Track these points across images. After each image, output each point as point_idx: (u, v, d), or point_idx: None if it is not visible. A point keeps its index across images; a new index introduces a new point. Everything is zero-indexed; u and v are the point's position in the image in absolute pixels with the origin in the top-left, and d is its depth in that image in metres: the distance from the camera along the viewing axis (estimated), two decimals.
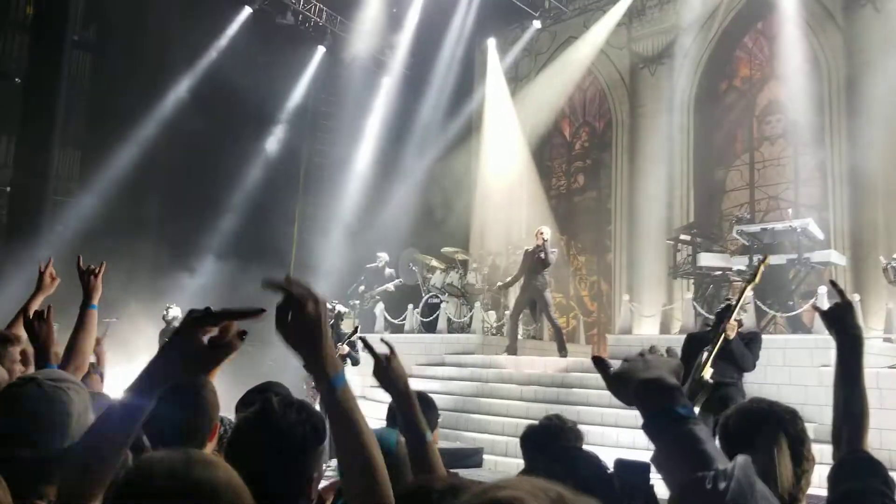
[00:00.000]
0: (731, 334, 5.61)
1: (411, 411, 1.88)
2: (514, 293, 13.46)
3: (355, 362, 8.88)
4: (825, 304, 8.50)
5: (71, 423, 1.65)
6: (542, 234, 10.90)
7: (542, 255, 10.66)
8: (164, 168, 14.05)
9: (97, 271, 2.92)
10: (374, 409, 6.32)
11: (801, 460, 1.95)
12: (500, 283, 12.05)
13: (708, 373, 5.51)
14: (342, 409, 1.27)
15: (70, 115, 14.05)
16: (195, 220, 14.03)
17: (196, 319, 1.24)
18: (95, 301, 2.90)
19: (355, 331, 9.15)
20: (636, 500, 2.44)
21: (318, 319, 1.22)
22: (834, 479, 1.68)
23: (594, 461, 2.18)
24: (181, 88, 14.65)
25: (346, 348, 8.83)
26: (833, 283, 2.10)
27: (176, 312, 10.72)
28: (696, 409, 5.64)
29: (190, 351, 1.24)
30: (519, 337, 11.60)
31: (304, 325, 1.21)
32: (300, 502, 1.71)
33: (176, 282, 13.19)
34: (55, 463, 1.61)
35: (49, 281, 3.20)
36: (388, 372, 1.90)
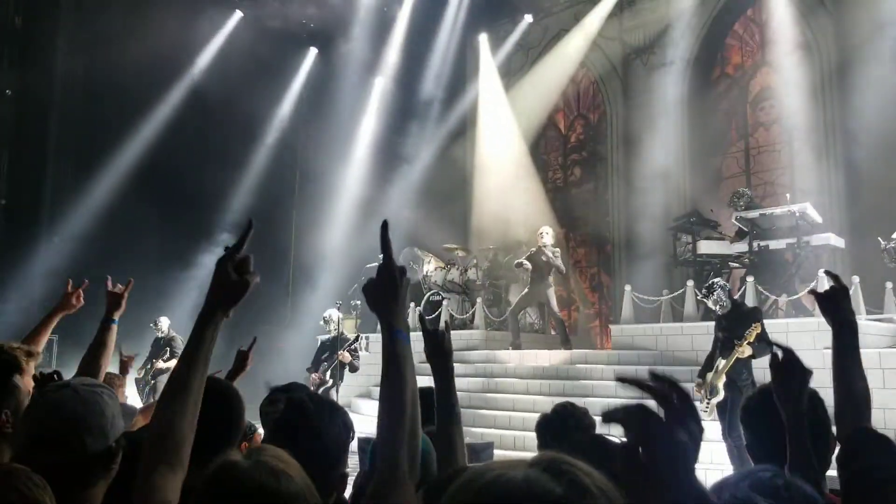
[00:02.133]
0: (745, 352, 6.36)
1: (451, 385, 2.04)
2: (513, 290, 13.51)
3: (354, 369, 8.89)
4: (824, 287, 8.58)
5: (107, 425, 1.68)
6: (541, 235, 10.93)
7: (545, 259, 10.71)
8: (160, 174, 14.04)
9: (123, 290, 3.03)
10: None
11: (823, 440, 1.95)
12: (517, 261, 11.87)
13: (722, 381, 6.50)
14: (396, 359, 1.47)
15: (63, 124, 14.03)
16: (192, 225, 14.05)
17: (225, 257, 1.54)
18: (116, 317, 3.01)
19: (356, 339, 9.14)
20: None
21: (403, 291, 1.50)
22: (844, 457, 1.67)
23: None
24: (174, 94, 14.67)
25: (347, 356, 8.80)
26: (828, 273, 2.17)
27: (164, 324, 10.72)
28: (714, 402, 6.60)
29: (228, 283, 1.53)
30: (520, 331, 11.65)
31: (390, 291, 1.49)
32: (335, 497, 1.74)
33: (175, 286, 13.23)
34: (95, 466, 1.66)
35: (74, 302, 3.26)
36: (442, 346, 2.05)
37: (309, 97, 17.17)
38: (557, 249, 11.11)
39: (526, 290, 11.42)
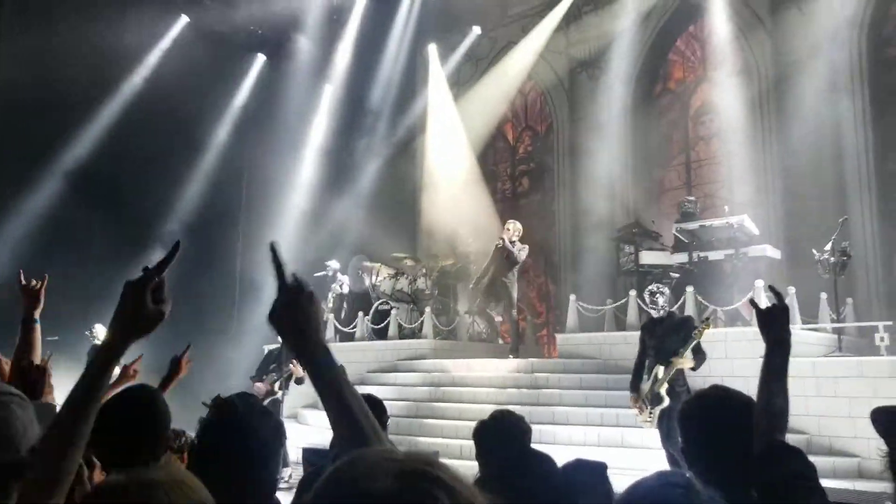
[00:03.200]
0: (685, 364, 6.46)
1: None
2: (462, 300, 13.56)
3: (301, 382, 8.75)
4: (762, 299, 8.84)
5: (17, 436, 1.60)
6: (508, 228, 10.91)
7: (504, 250, 10.68)
8: (103, 179, 13.72)
9: (39, 285, 2.89)
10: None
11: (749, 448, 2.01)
12: (472, 286, 11.98)
13: (664, 388, 6.47)
14: (330, 389, 1.31)
15: (2, 128, 13.61)
16: (135, 232, 13.74)
17: (144, 280, 1.40)
18: (37, 315, 2.88)
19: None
20: (594, 498, 2.53)
21: (310, 312, 1.32)
22: (759, 468, 1.71)
23: (548, 460, 2.26)
24: (118, 98, 14.36)
25: (300, 369, 8.55)
26: (772, 288, 2.14)
27: (100, 331, 10.48)
28: (658, 410, 6.51)
29: (144, 310, 1.39)
30: (469, 332, 11.67)
31: (295, 315, 1.32)
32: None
33: (116, 293, 12.88)
34: (5, 478, 1.59)
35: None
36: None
37: (256, 104, 16.97)
38: (525, 246, 10.91)
39: (486, 286, 11.20)
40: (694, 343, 6.38)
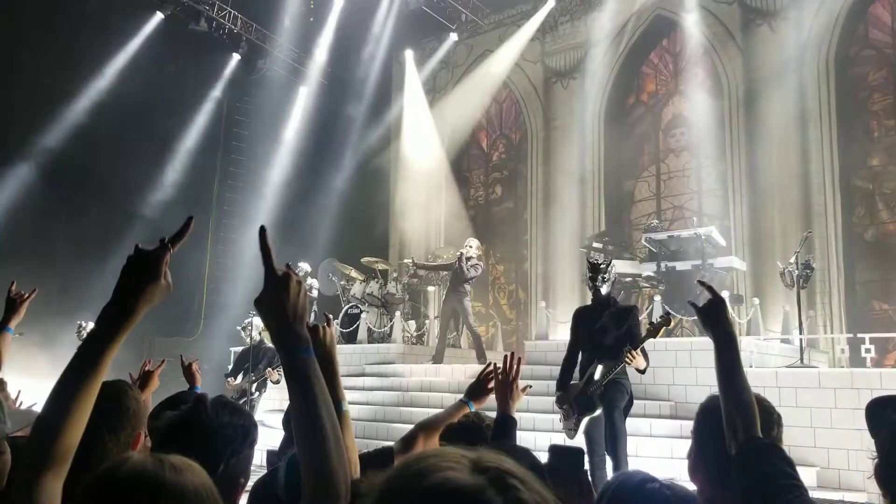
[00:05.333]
0: (630, 361, 5.51)
1: (333, 378, 1.89)
2: (431, 304, 13.60)
3: (277, 381, 8.86)
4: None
5: None
6: (469, 245, 11.06)
7: (460, 267, 10.85)
8: (73, 175, 13.55)
9: (25, 297, 2.95)
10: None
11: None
12: (415, 261, 12.50)
13: (599, 391, 5.72)
14: (300, 379, 1.30)
15: None
16: (103, 231, 13.58)
17: (158, 252, 1.39)
18: (13, 325, 2.95)
19: None
20: (570, 485, 2.56)
21: (296, 303, 1.33)
22: (740, 466, 1.70)
23: (528, 454, 2.29)
24: (89, 95, 14.14)
25: (276, 375, 8.73)
26: (702, 282, 2.10)
27: (90, 328, 10.49)
28: (586, 420, 5.81)
29: (158, 280, 1.38)
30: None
31: (280, 305, 1.32)
32: None
33: (85, 293, 12.75)
34: None
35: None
36: (322, 340, 1.95)
37: (230, 105, 16.86)
38: (480, 264, 11.09)
39: (443, 300, 11.46)
40: (647, 337, 5.52)
